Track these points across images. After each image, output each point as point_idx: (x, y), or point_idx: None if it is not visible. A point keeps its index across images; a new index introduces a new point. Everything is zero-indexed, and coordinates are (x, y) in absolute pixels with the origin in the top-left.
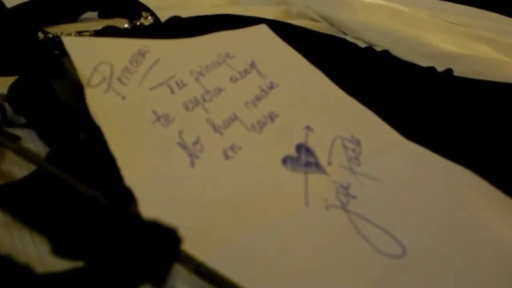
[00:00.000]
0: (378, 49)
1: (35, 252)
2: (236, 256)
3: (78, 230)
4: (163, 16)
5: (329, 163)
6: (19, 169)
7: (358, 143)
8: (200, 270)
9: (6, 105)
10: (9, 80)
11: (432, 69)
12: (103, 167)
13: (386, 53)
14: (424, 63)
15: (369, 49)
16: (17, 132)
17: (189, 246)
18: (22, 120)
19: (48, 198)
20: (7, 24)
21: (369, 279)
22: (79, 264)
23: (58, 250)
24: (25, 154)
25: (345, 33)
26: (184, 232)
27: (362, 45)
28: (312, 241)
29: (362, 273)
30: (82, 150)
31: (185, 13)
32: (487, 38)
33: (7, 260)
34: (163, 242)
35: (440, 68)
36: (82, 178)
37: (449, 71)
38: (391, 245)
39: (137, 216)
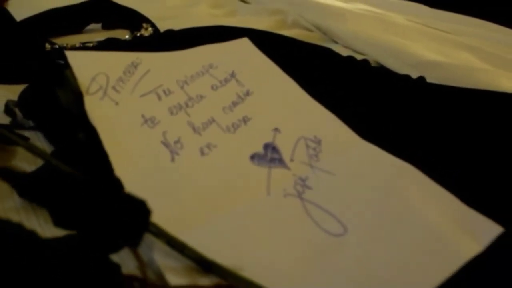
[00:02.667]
0: (364, 57)
1: (41, 231)
2: (205, 234)
3: (72, 207)
4: (164, 26)
5: (291, 159)
6: (28, 165)
7: (319, 142)
8: (171, 243)
9: (17, 110)
10: (18, 88)
11: (406, 77)
12: (98, 161)
13: (365, 62)
14: (407, 70)
15: (350, 58)
16: (26, 133)
17: (165, 225)
18: (31, 123)
19: (52, 185)
20: (16, 36)
21: (315, 252)
22: (73, 232)
23: (58, 222)
24: (35, 151)
25: (336, 42)
26: (162, 214)
27: (351, 53)
28: (269, 223)
29: (309, 247)
30: (81, 148)
31: (184, 23)
32: (471, 47)
33: (17, 226)
34: (134, 212)
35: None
36: (81, 169)
37: (421, 78)
38: (335, 226)
39: (115, 193)
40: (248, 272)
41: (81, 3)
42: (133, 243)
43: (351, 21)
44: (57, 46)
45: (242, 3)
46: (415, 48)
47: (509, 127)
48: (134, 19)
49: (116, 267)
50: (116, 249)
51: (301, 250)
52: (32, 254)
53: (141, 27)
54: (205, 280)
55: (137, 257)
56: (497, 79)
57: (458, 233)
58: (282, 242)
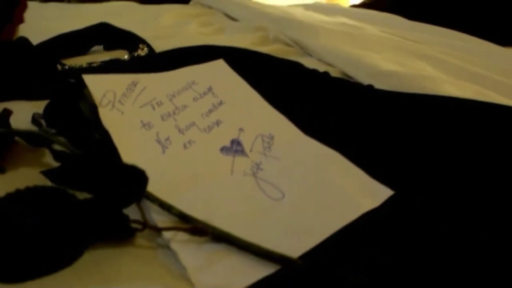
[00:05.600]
0: (333, 69)
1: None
2: (185, 199)
3: (96, 180)
4: (158, 45)
5: (251, 150)
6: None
7: (272, 138)
8: (162, 205)
9: (42, 121)
10: (40, 103)
11: (356, 85)
12: (110, 154)
13: (325, 73)
14: (366, 79)
15: (313, 70)
16: None
17: (158, 194)
18: (53, 131)
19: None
20: (32, 58)
21: (262, 210)
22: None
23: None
24: (67, 146)
25: (311, 55)
26: (156, 187)
27: (323, 65)
28: (231, 192)
29: (258, 207)
30: (97, 144)
31: (176, 42)
32: (428, 56)
33: (63, 190)
34: (138, 178)
35: (378, 84)
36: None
37: (370, 86)
38: (276, 193)
39: (124, 168)
40: (214, 222)
41: (85, 28)
42: (138, 199)
43: (323, 36)
44: (67, 67)
45: (230, 21)
46: (375, 59)
47: (431, 124)
48: (131, 40)
49: (126, 216)
50: (127, 204)
51: (252, 208)
52: (73, 207)
53: (138, 47)
54: (184, 226)
55: (140, 208)
56: (440, 85)
57: (362, 195)
58: (240, 204)
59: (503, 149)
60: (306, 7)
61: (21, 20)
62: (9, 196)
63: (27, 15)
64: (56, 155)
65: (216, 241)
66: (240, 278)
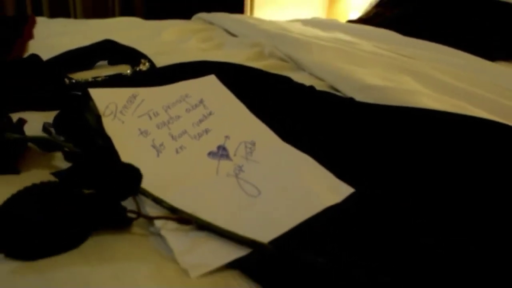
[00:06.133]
0: (322, 83)
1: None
2: (176, 195)
3: (99, 177)
4: (159, 60)
5: (234, 155)
6: (64, 164)
7: (254, 144)
8: (155, 200)
9: (52, 129)
10: (50, 113)
11: (338, 97)
12: (111, 156)
13: (311, 87)
14: (353, 93)
15: (300, 85)
16: None
17: (152, 190)
18: (62, 138)
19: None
20: (43, 73)
21: (240, 206)
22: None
23: (92, 187)
24: (74, 150)
25: (304, 70)
26: (150, 184)
27: (314, 80)
28: (215, 191)
29: (238, 203)
30: (101, 149)
31: (176, 57)
32: (413, 71)
33: (70, 186)
34: (133, 175)
35: (363, 97)
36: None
37: (351, 99)
38: (253, 191)
39: (123, 167)
40: (199, 214)
41: (91, 45)
42: (133, 193)
43: (315, 52)
44: (74, 81)
45: (229, 36)
46: (362, 74)
47: (400, 132)
48: (134, 56)
49: (124, 207)
50: (124, 198)
51: (232, 203)
52: (78, 200)
53: (140, 62)
54: (173, 216)
55: (135, 201)
56: (418, 98)
57: (327, 192)
58: (222, 200)
59: (464, 154)
60: (305, 22)
61: (30, 36)
62: (23, 191)
63: (36, 30)
64: (67, 155)
65: (200, 229)
66: (217, 259)
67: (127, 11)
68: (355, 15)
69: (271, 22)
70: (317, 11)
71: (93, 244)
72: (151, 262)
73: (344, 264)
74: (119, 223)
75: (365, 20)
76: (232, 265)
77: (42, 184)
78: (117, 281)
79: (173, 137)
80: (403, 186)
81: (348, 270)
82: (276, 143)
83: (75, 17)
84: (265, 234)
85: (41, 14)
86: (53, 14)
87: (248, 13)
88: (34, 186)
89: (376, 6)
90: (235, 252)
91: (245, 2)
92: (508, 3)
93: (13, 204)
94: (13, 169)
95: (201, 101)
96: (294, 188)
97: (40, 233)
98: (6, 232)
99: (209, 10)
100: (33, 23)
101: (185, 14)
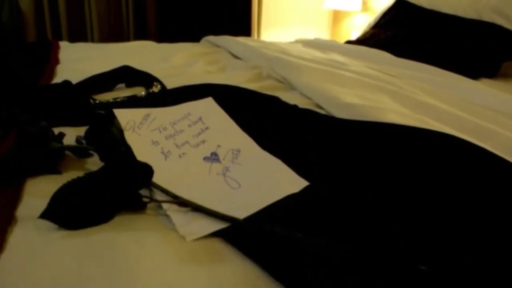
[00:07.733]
0: (309, 101)
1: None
2: (178, 188)
3: (122, 176)
4: (170, 82)
5: (223, 159)
6: (94, 167)
7: (239, 151)
8: (163, 190)
9: (83, 141)
10: (81, 129)
11: (317, 114)
12: (131, 161)
13: (295, 106)
14: (333, 110)
15: (284, 103)
16: None
17: (160, 183)
18: (92, 149)
19: (110, 174)
20: (73, 95)
21: (224, 195)
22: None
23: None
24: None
25: (296, 90)
26: (159, 180)
27: (303, 98)
28: (207, 185)
29: (222, 194)
30: (123, 155)
31: (184, 79)
32: (391, 91)
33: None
34: (147, 171)
35: (341, 113)
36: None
37: (326, 115)
38: (235, 185)
39: (140, 166)
40: (194, 200)
41: (111, 70)
42: (147, 184)
43: (305, 74)
44: (97, 101)
45: (233, 59)
46: (341, 93)
47: (362, 142)
48: (148, 79)
49: (140, 194)
50: (140, 188)
51: (219, 193)
52: (108, 188)
53: (153, 85)
54: (175, 201)
55: (148, 190)
56: (386, 114)
57: (288, 185)
58: (211, 191)
59: (409, 159)
60: (306, 43)
61: (56, 61)
62: (70, 182)
63: (60, 55)
64: (101, 156)
65: (194, 210)
66: (206, 229)
67: (141, 34)
68: (356, 35)
69: (272, 44)
70: (321, 31)
71: (118, 220)
72: (159, 232)
73: (298, 233)
74: (137, 206)
75: (362, 41)
76: (217, 234)
77: (82, 178)
78: (136, 244)
79: (177, 146)
80: (352, 181)
81: (304, 238)
82: (256, 150)
83: (92, 40)
84: (241, 213)
85: (60, 37)
86: (72, 38)
87: (255, 34)
88: (78, 179)
89: (373, 27)
90: (219, 225)
91: (252, 24)
92: (493, 24)
93: (63, 191)
94: (56, 170)
95: (200, 118)
96: (264, 182)
97: (82, 211)
98: (59, 209)
99: (218, 31)
100: (57, 48)
101: (195, 35)
